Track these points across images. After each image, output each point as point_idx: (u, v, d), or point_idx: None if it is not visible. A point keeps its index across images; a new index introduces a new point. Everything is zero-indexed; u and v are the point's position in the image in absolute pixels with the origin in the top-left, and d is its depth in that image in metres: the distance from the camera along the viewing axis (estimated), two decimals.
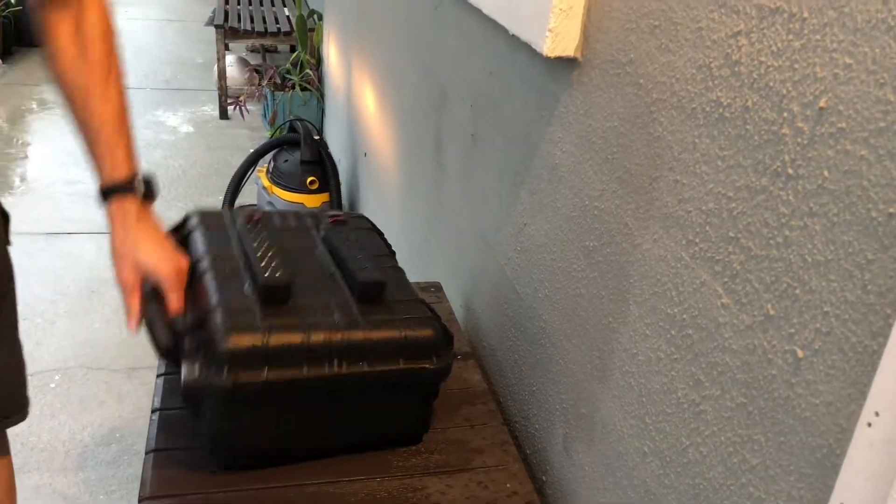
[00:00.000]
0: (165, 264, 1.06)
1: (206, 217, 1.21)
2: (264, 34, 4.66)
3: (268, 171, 3.46)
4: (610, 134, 0.96)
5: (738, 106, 0.72)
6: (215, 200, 3.65)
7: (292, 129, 3.53)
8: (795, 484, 0.65)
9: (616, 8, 0.94)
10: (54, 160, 3.94)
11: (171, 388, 1.19)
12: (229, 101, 4.58)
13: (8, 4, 5.36)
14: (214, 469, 1.05)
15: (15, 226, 1.26)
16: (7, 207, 1.25)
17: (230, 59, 4.83)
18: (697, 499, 0.80)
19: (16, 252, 1.26)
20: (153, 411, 1.15)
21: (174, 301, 1.05)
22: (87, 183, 3.69)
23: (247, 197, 3.50)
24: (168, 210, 3.50)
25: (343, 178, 3.42)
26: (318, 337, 0.99)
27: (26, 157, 4.00)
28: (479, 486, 1.08)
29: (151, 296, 1.06)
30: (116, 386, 2.45)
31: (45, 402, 2.34)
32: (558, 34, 1.02)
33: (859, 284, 0.58)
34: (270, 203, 3.33)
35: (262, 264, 1.07)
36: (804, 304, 0.64)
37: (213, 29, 4.64)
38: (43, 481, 2.08)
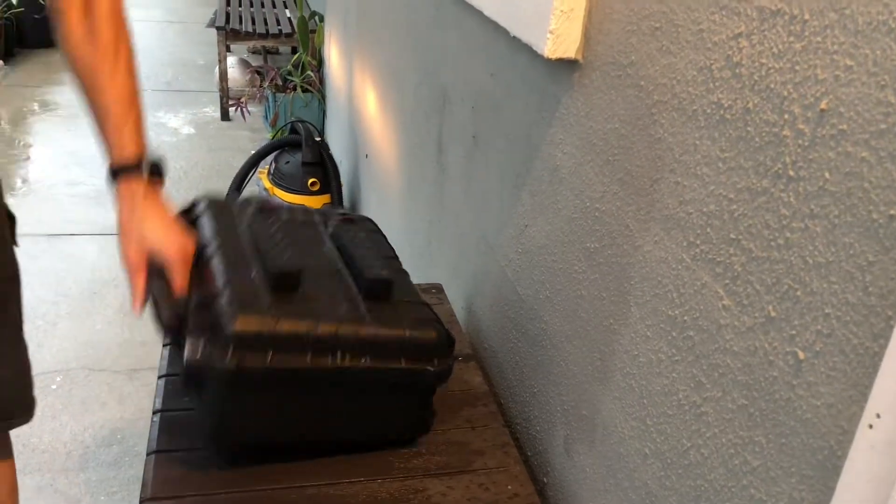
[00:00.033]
0: (172, 244, 1.06)
1: (215, 203, 1.21)
2: (265, 36, 4.66)
3: (269, 172, 3.46)
4: (611, 136, 0.96)
5: (739, 108, 0.72)
6: None
7: (294, 130, 3.53)
8: (797, 486, 0.65)
9: (617, 10, 0.94)
10: (56, 162, 3.94)
11: (173, 389, 1.19)
12: (231, 102, 4.58)
13: (10, 6, 5.37)
14: (210, 457, 1.05)
15: (17, 227, 1.27)
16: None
17: (231, 60, 4.84)
18: (699, 500, 0.80)
19: (18, 253, 1.26)
20: (154, 413, 1.15)
21: (179, 281, 1.05)
22: (89, 184, 3.71)
23: None
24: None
25: (344, 179, 3.42)
26: (325, 328, 0.99)
27: (28, 158, 4.01)
28: (480, 487, 1.08)
29: (157, 275, 1.05)
30: (118, 387, 2.45)
31: (47, 404, 2.34)
32: (559, 36, 1.02)
33: (860, 286, 0.58)
34: None
35: (272, 252, 1.06)
36: (805, 305, 0.64)
37: (214, 31, 4.64)
38: (44, 482, 2.08)
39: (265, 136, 4.44)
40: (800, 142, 0.64)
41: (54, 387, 2.42)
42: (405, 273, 1.19)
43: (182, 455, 1.07)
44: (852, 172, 0.59)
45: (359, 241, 1.18)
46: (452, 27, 1.64)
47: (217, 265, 1.05)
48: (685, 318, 0.81)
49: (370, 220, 1.31)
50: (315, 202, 3.31)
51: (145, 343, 2.63)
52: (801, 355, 0.65)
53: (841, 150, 0.60)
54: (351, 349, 1.00)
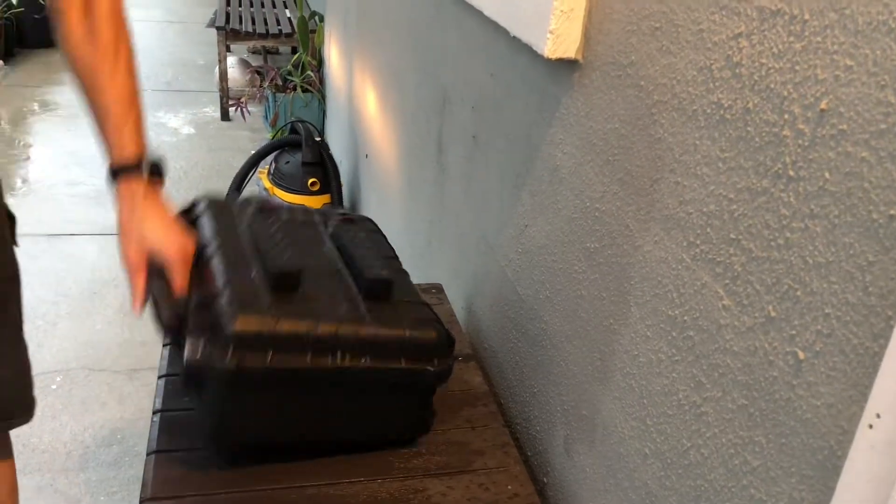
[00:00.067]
0: (172, 244, 1.06)
1: (215, 202, 1.21)
2: (266, 36, 4.66)
3: (269, 172, 3.46)
4: (611, 136, 0.96)
5: (739, 108, 0.72)
6: None
7: (293, 130, 3.53)
8: (797, 486, 0.65)
9: (617, 10, 0.94)
10: (56, 162, 3.94)
11: (173, 389, 1.19)
12: (231, 102, 4.58)
13: (10, 6, 5.37)
14: (210, 457, 1.05)
15: (17, 227, 1.27)
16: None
17: (231, 60, 4.84)
18: (699, 500, 0.80)
19: (18, 253, 1.26)
20: (154, 413, 1.15)
21: (179, 280, 1.05)
22: (89, 184, 3.71)
23: None
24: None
25: (344, 179, 3.42)
26: (325, 328, 0.99)
27: (28, 158, 4.01)
28: (481, 487, 1.08)
29: (157, 275, 1.06)
30: (118, 387, 2.45)
31: (47, 404, 2.34)
32: (559, 36, 1.02)
33: (860, 286, 0.58)
34: None
35: (272, 252, 1.06)
36: (805, 305, 0.64)
37: (214, 31, 4.64)
38: (44, 482, 2.08)
39: (265, 136, 4.44)
40: (800, 142, 0.64)
41: (54, 387, 2.43)
42: (405, 273, 1.19)
43: (182, 455, 1.07)
44: (852, 172, 0.59)
45: (359, 241, 1.18)
46: (452, 27, 1.64)
47: (217, 265, 1.05)
48: (685, 318, 0.81)
49: (370, 220, 1.31)
50: (315, 202, 3.31)
51: (145, 343, 2.63)
52: (801, 355, 0.65)
53: (841, 150, 0.60)
54: (351, 349, 1.00)
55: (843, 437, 0.60)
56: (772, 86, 0.68)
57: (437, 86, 1.77)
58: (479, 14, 1.33)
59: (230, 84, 4.71)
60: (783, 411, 0.67)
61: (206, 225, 1.14)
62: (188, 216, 1.18)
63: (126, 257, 1.07)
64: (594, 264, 1.02)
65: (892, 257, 0.56)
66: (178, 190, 3.78)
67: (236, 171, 3.45)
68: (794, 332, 0.65)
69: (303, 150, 3.32)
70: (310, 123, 3.56)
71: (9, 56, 5.28)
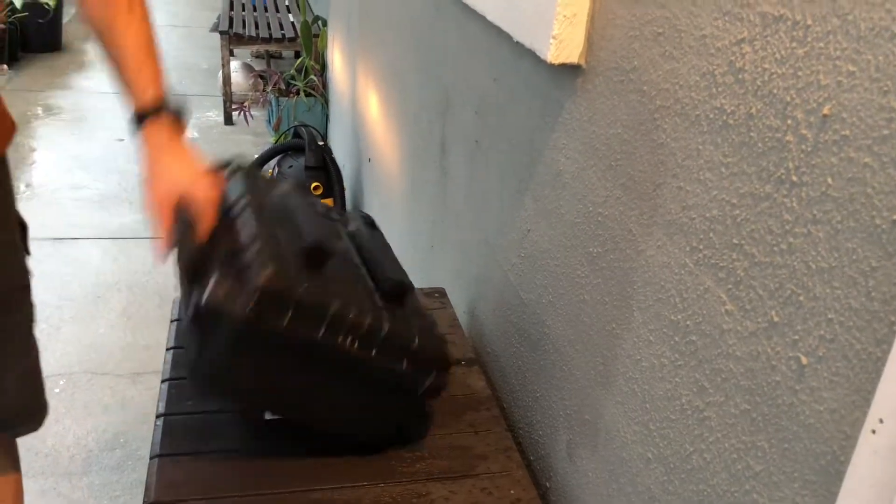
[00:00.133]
0: (200, 186, 1.06)
1: (246, 167, 1.21)
2: (269, 40, 4.67)
3: (272, 176, 3.46)
4: (614, 141, 0.96)
5: (741, 113, 0.72)
6: None
7: (297, 134, 3.54)
8: (799, 491, 0.65)
9: (620, 15, 0.94)
10: (60, 166, 3.95)
11: (176, 393, 1.19)
12: (234, 106, 4.59)
13: (14, 10, 5.38)
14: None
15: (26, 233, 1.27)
16: None
17: (235, 64, 4.85)
18: None
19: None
20: (158, 416, 1.15)
21: (206, 223, 1.05)
22: (93, 188, 3.71)
23: None
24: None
25: (347, 183, 3.42)
26: (346, 309, 0.99)
27: (32, 162, 4.02)
28: (483, 492, 1.08)
29: (182, 219, 1.05)
30: (121, 391, 2.46)
31: (50, 407, 2.34)
32: (562, 41, 1.02)
33: (863, 291, 0.58)
34: None
35: (301, 226, 1.06)
36: (808, 310, 0.64)
37: (217, 35, 4.65)
38: (48, 486, 2.08)
39: (268, 141, 4.45)
40: (802, 147, 0.64)
41: (57, 390, 2.43)
42: (413, 286, 1.20)
43: (185, 459, 1.08)
44: (855, 178, 0.59)
45: (378, 244, 1.18)
46: (455, 32, 1.64)
47: (248, 220, 1.04)
48: (688, 322, 0.81)
49: (381, 233, 1.32)
50: None
51: (148, 347, 2.64)
52: (804, 360, 0.65)
53: (844, 155, 0.60)
54: (363, 338, 1.00)
55: (846, 442, 0.60)
56: (774, 91, 0.68)
57: (440, 90, 1.78)
58: (481, 19, 1.34)
59: (233, 88, 4.72)
60: (786, 416, 0.67)
61: (238, 183, 1.13)
62: (220, 171, 1.17)
63: (153, 201, 1.07)
64: (597, 269, 1.02)
65: (895, 263, 0.56)
66: None
67: None
68: (796, 337, 0.66)
69: (306, 155, 3.33)
70: (313, 128, 3.56)
71: (13, 60, 5.29)
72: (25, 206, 3.52)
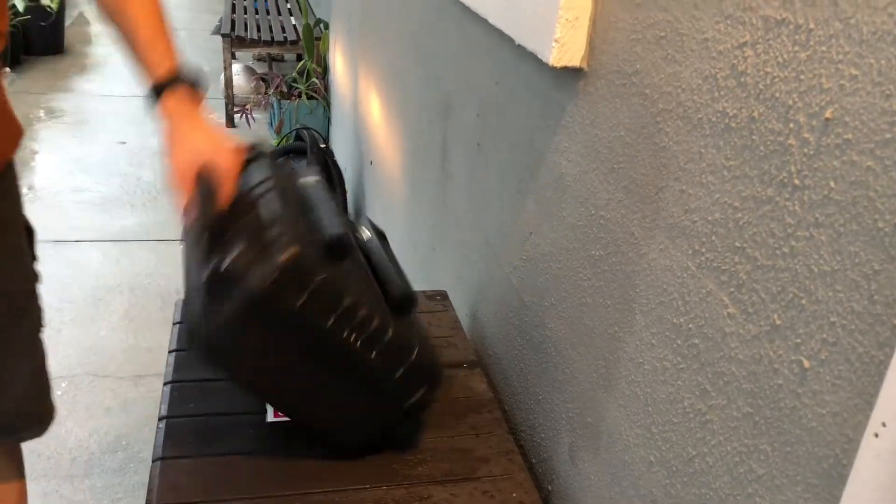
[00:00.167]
0: (222, 154, 1.07)
1: (272, 155, 1.21)
2: (271, 43, 4.67)
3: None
4: (616, 144, 0.96)
5: (744, 116, 0.72)
6: None
7: (298, 137, 3.54)
8: (802, 494, 0.65)
9: (622, 19, 0.94)
10: (62, 168, 3.96)
11: (179, 395, 1.19)
12: (236, 109, 4.59)
13: (16, 13, 5.39)
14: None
15: (34, 239, 1.27)
16: None
17: (237, 67, 4.85)
18: None
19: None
20: (160, 419, 1.15)
21: (227, 191, 1.05)
22: (94, 191, 3.72)
23: None
24: (175, 217, 3.51)
25: (349, 186, 3.43)
26: (359, 303, 0.99)
27: (34, 165, 4.02)
28: (485, 495, 1.08)
29: (202, 186, 1.05)
30: (122, 393, 2.46)
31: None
32: (564, 44, 1.02)
33: (866, 295, 0.58)
34: None
35: (323, 218, 1.07)
36: (810, 314, 0.64)
37: (219, 38, 4.66)
38: (49, 488, 2.08)
39: (270, 143, 4.45)
40: (805, 150, 0.65)
41: (59, 393, 2.43)
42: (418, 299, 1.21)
43: (188, 462, 1.08)
44: (858, 181, 0.59)
45: (387, 254, 1.18)
46: (457, 34, 1.64)
47: (273, 201, 1.04)
48: (690, 325, 0.81)
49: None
50: None
51: (150, 349, 2.64)
52: (807, 364, 0.65)
53: (846, 158, 0.60)
54: (367, 337, 1.01)
55: (849, 446, 0.60)
56: (777, 95, 0.68)
57: (442, 93, 1.78)
58: (483, 21, 1.34)
59: (235, 91, 4.73)
60: (788, 420, 0.67)
61: (263, 166, 1.14)
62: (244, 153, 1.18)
63: (174, 170, 1.07)
64: (599, 272, 1.02)
65: None
66: None
67: None
68: (799, 340, 0.66)
69: (308, 157, 3.33)
70: (315, 130, 3.57)
71: (15, 63, 5.31)
72: (27, 209, 3.52)
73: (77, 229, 3.39)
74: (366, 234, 1.23)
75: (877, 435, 0.55)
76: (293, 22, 5.07)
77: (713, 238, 0.77)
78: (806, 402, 0.65)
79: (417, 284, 1.20)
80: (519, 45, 1.14)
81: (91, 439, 2.27)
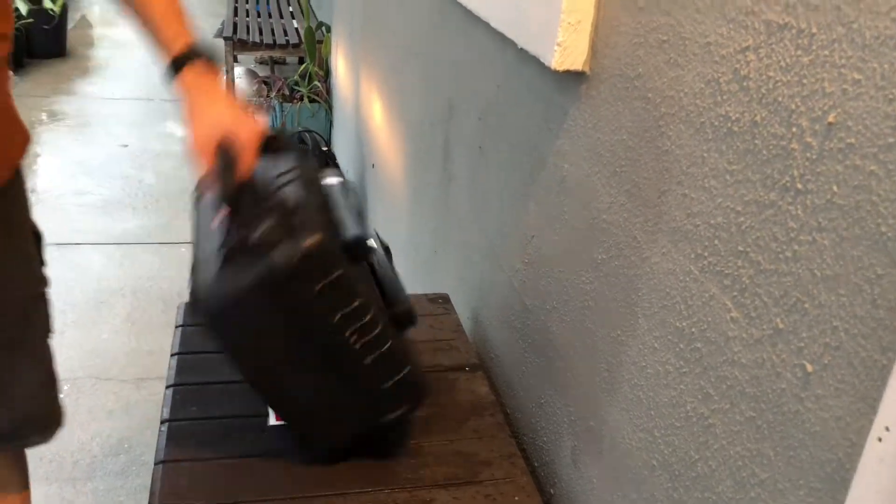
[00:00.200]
0: (243, 125, 1.08)
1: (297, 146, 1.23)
2: (273, 46, 4.68)
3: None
4: (618, 147, 0.96)
5: (746, 121, 0.72)
6: None
7: (300, 140, 3.55)
8: (805, 498, 0.65)
9: (624, 22, 0.94)
10: (64, 171, 3.96)
11: (181, 399, 1.19)
12: None
13: (19, 17, 5.41)
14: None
15: (42, 244, 1.27)
16: None
17: (238, 70, 4.86)
18: None
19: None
20: (162, 422, 1.15)
21: (248, 160, 1.06)
22: (96, 194, 3.72)
23: None
24: (177, 219, 3.52)
25: None
26: (369, 306, 1.00)
27: (36, 168, 4.03)
28: (488, 498, 1.08)
29: (223, 157, 1.06)
30: (125, 396, 2.46)
31: None
32: (567, 48, 1.02)
33: (868, 299, 0.58)
34: None
35: (344, 218, 1.08)
36: (813, 318, 0.64)
37: (221, 41, 4.66)
38: (52, 491, 2.08)
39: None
40: (808, 155, 0.65)
41: (61, 395, 2.43)
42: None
43: (190, 465, 1.08)
44: (860, 186, 0.59)
45: (392, 270, 1.19)
46: (459, 38, 1.64)
47: (299, 188, 1.06)
48: (693, 329, 0.81)
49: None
50: None
51: (152, 352, 2.64)
52: (810, 368, 0.65)
53: (849, 163, 0.60)
54: (368, 341, 1.01)
55: (852, 450, 0.60)
56: (779, 99, 0.68)
57: (444, 96, 1.78)
58: (485, 25, 1.34)
59: (237, 94, 4.73)
60: (791, 424, 0.67)
61: (291, 156, 1.15)
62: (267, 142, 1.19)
63: (196, 142, 1.08)
64: (601, 275, 1.02)
65: None
66: (187, 198, 3.80)
67: None
68: (802, 344, 0.66)
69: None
70: (317, 133, 3.57)
71: (17, 66, 5.31)
72: None
73: (79, 232, 3.40)
74: (373, 245, 1.24)
75: (880, 439, 0.55)
76: (295, 25, 5.07)
77: (716, 242, 0.77)
78: (809, 406, 0.65)
79: (419, 287, 1.21)
80: (521, 49, 1.14)
81: (93, 442, 2.27)
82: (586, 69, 1.04)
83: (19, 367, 1.24)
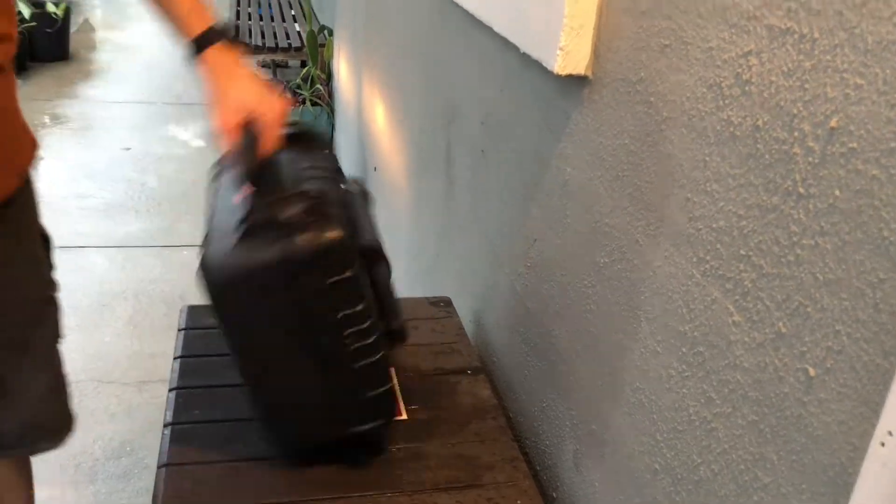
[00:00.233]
0: (267, 104, 1.09)
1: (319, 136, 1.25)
2: (275, 50, 4.69)
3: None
4: (620, 151, 0.97)
5: (748, 125, 0.72)
6: None
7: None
8: (807, 502, 0.65)
9: (627, 27, 0.95)
10: (67, 174, 3.97)
11: (184, 402, 1.20)
12: None
13: (22, 20, 5.42)
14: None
15: (51, 248, 1.27)
16: None
17: None
18: None
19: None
20: (165, 425, 1.15)
21: (272, 137, 1.08)
22: (99, 197, 3.73)
23: None
24: (179, 222, 3.52)
25: None
26: (367, 317, 1.01)
27: (39, 171, 4.04)
28: (489, 502, 1.08)
29: (248, 134, 1.08)
30: (127, 399, 2.46)
31: None
32: (569, 52, 1.02)
33: (871, 303, 0.58)
34: None
35: (362, 225, 1.09)
36: (816, 322, 0.64)
37: None
38: (54, 494, 2.08)
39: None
40: (810, 159, 0.65)
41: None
42: None
43: (193, 468, 1.08)
44: (863, 190, 0.59)
45: (391, 287, 1.19)
46: (461, 42, 1.65)
47: (327, 184, 1.08)
48: (695, 333, 0.81)
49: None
50: None
51: (154, 355, 2.64)
52: (812, 372, 0.65)
53: (851, 167, 0.60)
54: (364, 346, 1.02)
55: (855, 455, 0.60)
56: (781, 103, 0.68)
57: (446, 100, 1.78)
58: (488, 29, 1.34)
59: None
60: (794, 428, 0.67)
61: (315, 154, 1.17)
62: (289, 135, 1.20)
63: (220, 121, 1.09)
64: (603, 279, 1.02)
65: None
66: (188, 201, 3.80)
67: None
68: (804, 348, 0.66)
69: None
70: None
71: (21, 70, 5.32)
72: None
73: (82, 235, 3.40)
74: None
75: (883, 444, 0.55)
76: (297, 28, 5.08)
77: (718, 246, 0.77)
78: (812, 410, 0.65)
79: (421, 290, 1.21)
80: (524, 53, 1.15)
81: (95, 445, 2.27)
82: (589, 73, 1.04)
83: (28, 371, 1.24)
